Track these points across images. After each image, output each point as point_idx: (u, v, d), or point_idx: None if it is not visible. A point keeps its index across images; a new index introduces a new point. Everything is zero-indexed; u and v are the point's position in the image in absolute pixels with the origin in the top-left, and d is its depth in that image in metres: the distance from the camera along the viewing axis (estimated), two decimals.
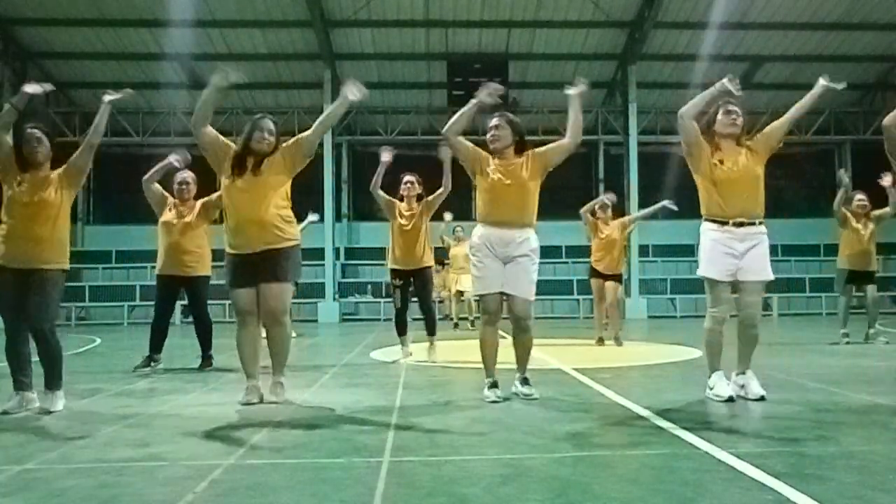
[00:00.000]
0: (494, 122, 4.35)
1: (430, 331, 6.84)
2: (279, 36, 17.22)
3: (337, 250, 18.65)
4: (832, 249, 17.35)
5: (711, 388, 4.12)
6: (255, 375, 4.36)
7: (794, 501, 2.24)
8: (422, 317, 6.97)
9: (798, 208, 19.44)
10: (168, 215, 6.32)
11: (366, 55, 17.99)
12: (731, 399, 3.99)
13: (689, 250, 19.41)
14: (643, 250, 18.55)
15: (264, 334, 4.44)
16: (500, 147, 4.32)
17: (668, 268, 17.77)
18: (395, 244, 6.79)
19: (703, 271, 4.24)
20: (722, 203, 4.18)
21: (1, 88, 17.27)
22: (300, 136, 4.42)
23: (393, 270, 6.80)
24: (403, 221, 6.75)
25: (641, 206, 18.02)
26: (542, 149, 4.38)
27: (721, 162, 4.19)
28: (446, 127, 4.32)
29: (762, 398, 4.07)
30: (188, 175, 6.39)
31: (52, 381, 4.14)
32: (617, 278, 8.59)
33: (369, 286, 18.75)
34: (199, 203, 6.37)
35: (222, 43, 17.34)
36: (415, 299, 6.89)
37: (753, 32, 17.29)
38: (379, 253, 18.14)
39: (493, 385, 4.30)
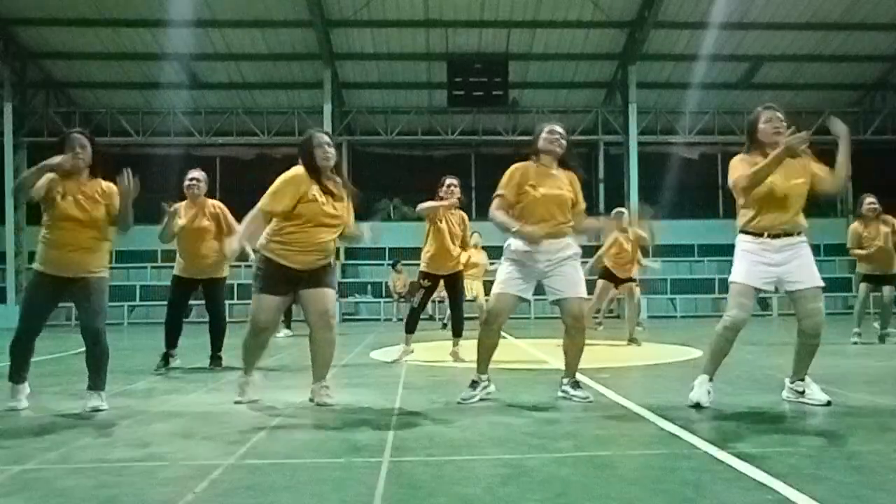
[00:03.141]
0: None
1: (457, 333, 6.79)
2: (279, 36, 17.22)
3: (337, 250, 18.61)
4: (832, 249, 17.49)
5: (691, 389, 4.02)
6: (251, 372, 4.38)
7: (794, 501, 2.24)
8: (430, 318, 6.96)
9: None
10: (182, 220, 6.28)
11: (366, 55, 17.99)
12: (697, 405, 3.89)
13: (689, 250, 19.46)
14: (643, 250, 18.51)
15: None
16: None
17: (667, 268, 17.74)
18: (432, 247, 6.66)
19: (733, 276, 4.02)
20: (759, 219, 3.96)
21: (1, 89, 17.30)
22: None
23: (425, 273, 6.74)
24: (444, 226, 6.58)
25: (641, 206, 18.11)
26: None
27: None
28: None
29: (828, 403, 3.92)
30: (198, 172, 6.39)
31: (100, 383, 4.20)
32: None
33: (369, 286, 18.75)
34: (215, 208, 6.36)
35: (222, 43, 17.35)
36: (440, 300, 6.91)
37: (753, 32, 17.29)
38: (379, 253, 18.17)
39: (473, 384, 4.29)
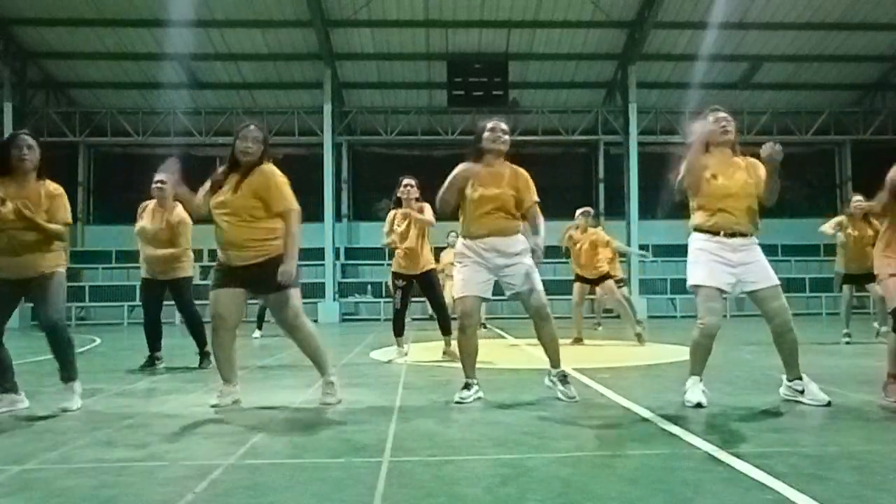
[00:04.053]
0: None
1: (445, 330, 6.80)
2: (279, 36, 17.23)
3: (337, 250, 18.65)
4: (832, 249, 17.39)
5: (685, 393, 4.02)
6: (230, 380, 4.25)
7: (794, 501, 2.24)
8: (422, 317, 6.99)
9: (798, 208, 19.42)
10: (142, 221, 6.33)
11: (366, 55, 17.99)
12: (699, 405, 3.88)
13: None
14: (643, 250, 18.54)
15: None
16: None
17: (668, 268, 17.77)
18: (401, 248, 6.77)
19: (694, 280, 4.03)
20: (713, 218, 3.99)
21: (1, 89, 17.30)
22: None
23: (396, 273, 6.84)
24: (402, 228, 6.73)
25: (641, 206, 18.12)
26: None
27: (714, 177, 4.00)
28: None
29: (829, 403, 3.88)
30: (165, 175, 6.37)
31: (71, 372, 4.17)
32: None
33: (369, 286, 18.76)
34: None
35: (222, 43, 17.35)
36: (420, 300, 6.95)
37: (753, 32, 17.30)
38: (379, 253, 18.17)
39: (467, 386, 4.29)
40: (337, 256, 18.66)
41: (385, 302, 17.64)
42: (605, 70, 18.92)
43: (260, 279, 4.05)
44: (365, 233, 20.18)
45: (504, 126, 4.39)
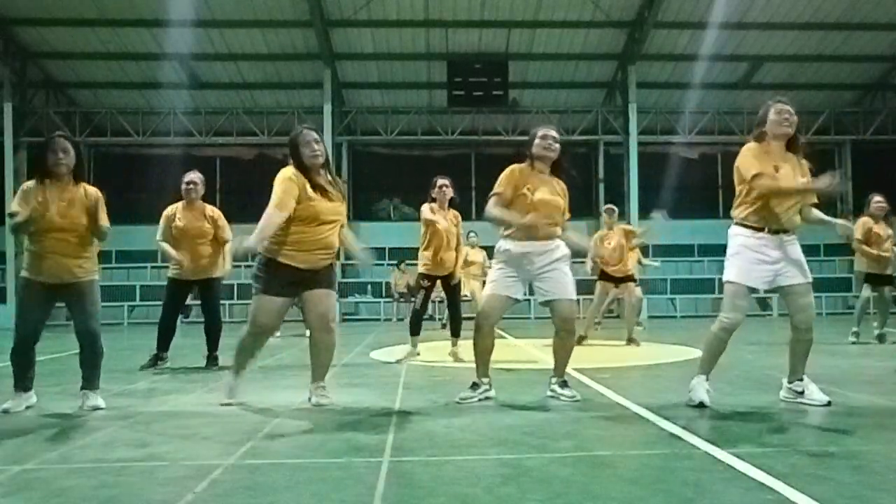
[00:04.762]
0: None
1: (455, 332, 6.89)
2: (279, 36, 17.22)
3: (337, 250, 18.60)
4: (833, 249, 17.49)
5: (690, 391, 4.01)
6: (240, 373, 4.34)
7: (794, 501, 2.24)
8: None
9: None
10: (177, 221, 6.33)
11: (366, 55, 17.99)
12: (701, 405, 3.88)
13: (689, 250, 19.46)
14: (643, 250, 18.50)
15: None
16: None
17: (667, 268, 17.77)
18: (430, 248, 6.70)
19: (729, 276, 3.96)
20: (760, 214, 3.92)
21: (1, 89, 17.30)
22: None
23: (424, 275, 6.80)
24: (441, 227, 6.58)
25: (641, 206, 18.12)
26: None
27: (777, 168, 3.89)
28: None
29: (828, 404, 3.89)
30: (195, 175, 6.39)
31: (95, 382, 4.22)
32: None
33: (369, 286, 18.75)
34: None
35: (222, 43, 17.35)
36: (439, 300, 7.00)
37: (753, 32, 17.29)
38: (379, 253, 18.16)
39: (474, 386, 4.30)
40: (337, 256, 18.61)
41: (385, 302, 17.64)
42: (605, 70, 18.91)
43: (317, 278, 4.27)
44: (365, 233, 20.12)
45: (555, 134, 4.34)
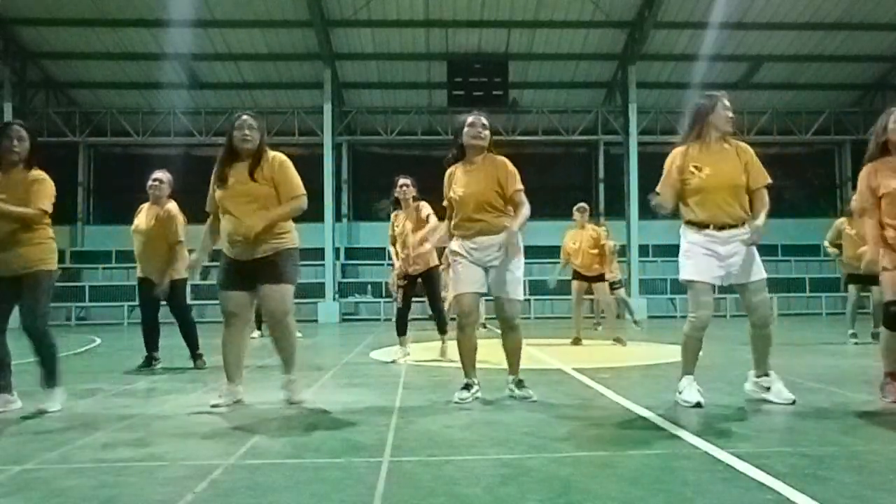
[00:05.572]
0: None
1: (441, 330, 6.91)
2: (279, 36, 17.23)
3: (337, 250, 18.65)
4: None
5: (680, 393, 4.00)
6: (234, 379, 4.28)
7: (794, 501, 2.24)
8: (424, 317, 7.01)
9: (798, 208, 19.45)
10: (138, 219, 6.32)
11: (366, 55, 17.99)
12: (698, 405, 3.88)
13: None
14: (643, 250, 18.56)
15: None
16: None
17: (668, 268, 17.76)
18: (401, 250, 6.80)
19: (685, 275, 4.01)
20: (703, 212, 3.99)
21: (1, 89, 17.30)
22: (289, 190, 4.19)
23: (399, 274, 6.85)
24: (400, 229, 6.78)
25: (641, 206, 18.11)
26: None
27: (698, 168, 3.99)
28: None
29: (793, 402, 3.91)
30: (161, 174, 6.36)
31: (51, 380, 4.11)
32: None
33: (369, 286, 18.75)
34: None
35: (222, 43, 17.35)
36: (422, 299, 7.02)
37: (753, 32, 17.30)
38: (379, 253, 18.18)
39: (466, 387, 4.29)
40: (337, 256, 18.66)
41: (385, 302, 17.65)
42: (605, 70, 18.92)
43: (264, 271, 4.08)
44: (365, 233, 20.20)
45: (484, 120, 4.28)
